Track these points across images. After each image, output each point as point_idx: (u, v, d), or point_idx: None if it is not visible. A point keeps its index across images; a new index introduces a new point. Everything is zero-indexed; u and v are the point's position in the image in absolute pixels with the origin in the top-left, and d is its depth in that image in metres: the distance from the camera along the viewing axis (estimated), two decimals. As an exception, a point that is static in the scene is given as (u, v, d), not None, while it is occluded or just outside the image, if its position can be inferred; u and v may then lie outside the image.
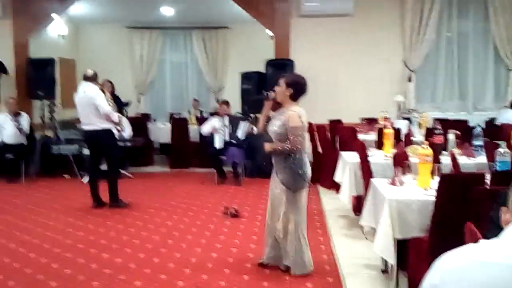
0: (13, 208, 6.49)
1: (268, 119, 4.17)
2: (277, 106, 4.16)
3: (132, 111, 10.84)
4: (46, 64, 8.96)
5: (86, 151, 8.68)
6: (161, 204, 6.67)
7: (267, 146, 4.06)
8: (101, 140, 6.25)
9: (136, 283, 3.99)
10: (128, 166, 9.06)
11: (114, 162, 6.51)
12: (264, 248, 4.30)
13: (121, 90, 10.49)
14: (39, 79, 8.80)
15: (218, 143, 8.12)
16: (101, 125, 6.17)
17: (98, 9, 10.81)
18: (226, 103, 8.34)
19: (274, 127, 4.01)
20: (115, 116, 6.35)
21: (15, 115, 8.31)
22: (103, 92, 6.44)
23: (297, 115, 3.93)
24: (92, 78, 6.26)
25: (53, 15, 9.34)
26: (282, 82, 4.04)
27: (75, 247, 4.89)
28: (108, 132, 6.29)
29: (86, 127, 6.28)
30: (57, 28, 10.54)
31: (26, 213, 6.26)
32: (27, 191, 7.58)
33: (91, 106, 6.10)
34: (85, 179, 8.14)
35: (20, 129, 8.26)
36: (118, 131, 7.01)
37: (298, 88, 4.02)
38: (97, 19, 11.52)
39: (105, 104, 6.17)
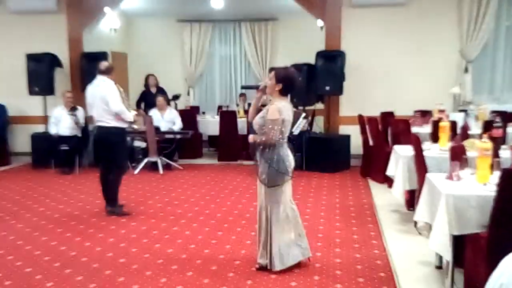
0: (68, 198, 6.71)
1: (259, 110, 4.09)
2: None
3: (181, 104, 10.98)
4: (99, 58, 9.07)
5: (137, 143, 8.90)
6: (211, 196, 6.72)
7: (250, 137, 4.01)
8: (109, 138, 5.74)
9: (188, 273, 4.03)
10: (177, 158, 9.22)
11: (119, 164, 5.93)
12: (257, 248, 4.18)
13: (171, 82, 10.70)
14: (92, 72, 8.91)
15: None
16: (112, 123, 5.70)
17: (150, 3, 10.99)
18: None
19: (258, 118, 3.97)
20: (128, 115, 5.75)
21: (72, 109, 8.60)
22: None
23: (277, 108, 3.84)
24: (107, 72, 5.83)
25: (106, 9, 9.55)
26: (272, 75, 3.95)
27: (129, 238, 5.00)
28: (119, 130, 5.80)
29: (98, 123, 5.79)
30: (109, 22, 10.79)
31: (82, 202, 6.46)
32: (80, 181, 7.81)
33: (103, 102, 5.66)
34: (136, 170, 8.33)
35: (77, 123, 8.55)
36: (133, 129, 6.46)
37: (288, 84, 3.93)
38: (148, 13, 11.72)
39: (117, 102, 5.65)
